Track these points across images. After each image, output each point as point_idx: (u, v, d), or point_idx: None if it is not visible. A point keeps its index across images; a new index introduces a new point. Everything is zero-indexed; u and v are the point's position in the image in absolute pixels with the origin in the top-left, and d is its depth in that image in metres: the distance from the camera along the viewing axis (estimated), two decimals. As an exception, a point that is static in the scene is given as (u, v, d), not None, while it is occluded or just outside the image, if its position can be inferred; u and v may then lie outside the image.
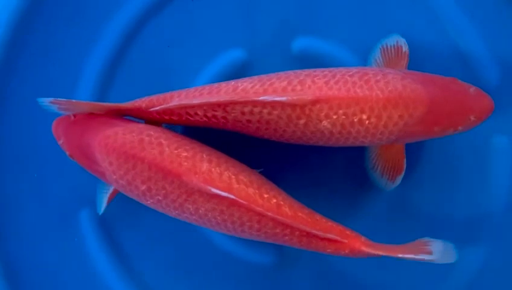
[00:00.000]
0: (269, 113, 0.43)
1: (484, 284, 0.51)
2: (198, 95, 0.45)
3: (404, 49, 0.48)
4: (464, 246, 0.50)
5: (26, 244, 0.52)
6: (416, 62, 0.51)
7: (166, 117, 0.46)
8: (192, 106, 0.44)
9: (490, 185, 0.51)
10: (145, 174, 0.42)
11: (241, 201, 0.41)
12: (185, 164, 0.42)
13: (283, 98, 0.42)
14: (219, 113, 0.44)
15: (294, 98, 0.42)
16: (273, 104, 0.43)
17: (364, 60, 0.51)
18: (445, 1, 0.51)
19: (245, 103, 0.43)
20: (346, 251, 0.43)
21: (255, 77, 0.45)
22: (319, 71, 0.44)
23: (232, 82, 0.45)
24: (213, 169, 0.42)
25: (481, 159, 0.51)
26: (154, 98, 0.46)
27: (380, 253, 0.42)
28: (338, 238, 0.42)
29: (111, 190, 0.47)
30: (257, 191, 0.42)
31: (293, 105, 0.42)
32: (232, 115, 0.44)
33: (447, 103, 0.44)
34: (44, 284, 0.52)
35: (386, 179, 0.48)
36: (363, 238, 0.43)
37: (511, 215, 0.51)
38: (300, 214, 0.43)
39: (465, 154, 0.51)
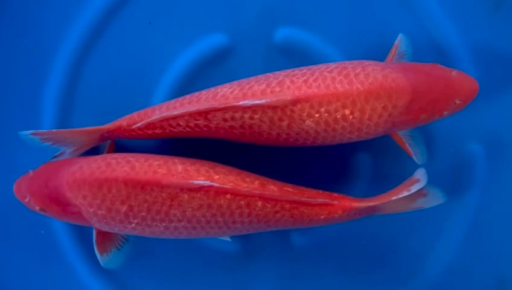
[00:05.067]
0: (251, 118, 0.42)
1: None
2: (179, 106, 0.44)
3: (398, 45, 0.47)
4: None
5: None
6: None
7: (150, 132, 0.45)
8: (174, 117, 0.44)
9: (464, 193, 0.51)
10: (122, 193, 0.41)
11: (226, 187, 0.41)
12: (160, 170, 0.42)
13: (262, 101, 0.42)
14: (201, 122, 0.43)
15: (274, 99, 0.41)
16: (253, 108, 0.42)
17: (345, 54, 0.50)
18: (444, 28, 0.51)
19: (225, 109, 0.42)
20: (339, 212, 0.43)
21: (235, 82, 0.44)
22: (297, 71, 0.44)
23: (212, 89, 0.45)
24: (189, 168, 0.42)
25: (455, 168, 0.51)
26: (135, 114, 0.46)
27: (372, 203, 0.42)
28: (328, 201, 0.43)
29: (94, 233, 0.45)
30: (238, 177, 0.42)
31: (273, 107, 0.42)
32: (214, 122, 0.43)
33: (431, 89, 0.43)
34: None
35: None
36: (351, 197, 0.43)
37: (480, 225, 0.51)
38: (286, 188, 0.43)
39: (442, 160, 0.51)
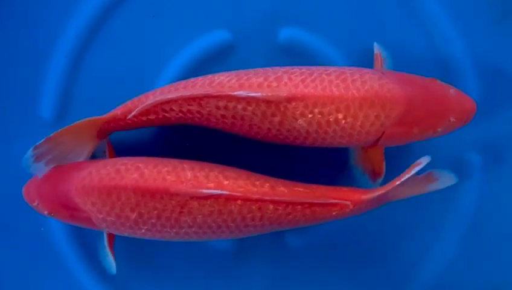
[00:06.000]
0: (244, 109, 0.42)
1: None
2: (173, 90, 0.44)
3: (375, 51, 0.47)
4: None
5: None
6: (399, 66, 0.50)
7: (144, 118, 0.45)
8: (168, 101, 0.43)
9: (460, 203, 0.51)
10: (132, 201, 0.41)
11: (236, 194, 0.40)
12: (169, 177, 0.41)
13: (257, 94, 0.41)
14: (194, 107, 0.43)
15: (269, 94, 0.41)
16: (247, 100, 0.42)
17: (347, 57, 0.51)
18: (434, 9, 0.51)
19: (219, 97, 0.42)
20: (351, 207, 0.42)
21: (233, 72, 0.44)
22: (297, 69, 0.43)
23: (209, 76, 0.44)
24: (198, 174, 0.41)
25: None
26: (129, 102, 0.46)
27: (380, 192, 0.42)
28: (339, 201, 0.42)
29: (105, 236, 0.45)
30: (248, 181, 0.42)
31: (267, 101, 0.42)
32: (207, 109, 0.43)
33: (426, 104, 0.43)
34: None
35: (367, 180, 0.47)
36: (360, 189, 0.43)
37: (477, 231, 0.51)
38: (296, 188, 0.42)
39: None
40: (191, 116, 0.44)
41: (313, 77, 0.42)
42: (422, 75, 0.46)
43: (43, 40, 0.51)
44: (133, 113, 0.45)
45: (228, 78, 0.43)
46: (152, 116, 0.45)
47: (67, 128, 0.45)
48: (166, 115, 0.44)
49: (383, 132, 0.43)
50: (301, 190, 0.43)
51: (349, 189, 0.43)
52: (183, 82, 0.45)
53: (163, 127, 0.51)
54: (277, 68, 0.44)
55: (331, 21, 0.51)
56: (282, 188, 0.42)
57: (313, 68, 0.44)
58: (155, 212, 0.41)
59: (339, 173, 0.50)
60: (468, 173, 0.51)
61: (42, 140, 0.44)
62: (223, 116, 0.43)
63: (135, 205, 0.41)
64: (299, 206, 0.42)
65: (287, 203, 0.41)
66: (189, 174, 0.41)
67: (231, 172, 0.42)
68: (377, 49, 0.48)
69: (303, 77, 0.42)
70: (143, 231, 0.42)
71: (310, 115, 0.42)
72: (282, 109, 0.42)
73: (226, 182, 0.41)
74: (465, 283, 0.51)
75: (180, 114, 0.44)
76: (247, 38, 0.51)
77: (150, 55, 0.51)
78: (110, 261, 0.45)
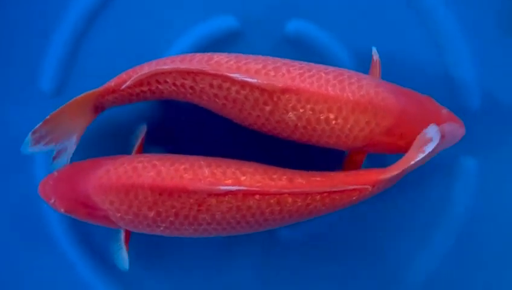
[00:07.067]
0: (237, 92, 0.42)
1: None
2: (169, 62, 0.44)
3: (375, 58, 0.46)
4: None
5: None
6: (401, 71, 0.50)
7: (137, 90, 0.45)
8: (163, 73, 0.43)
9: (453, 205, 0.51)
10: (149, 199, 0.41)
11: (254, 189, 0.40)
12: (186, 175, 0.41)
13: (253, 80, 0.41)
14: (188, 82, 0.43)
15: (264, 82, 0.41)
16: (242, 84, 0.42)
17: (353, 56, 0.50)
18: (442, 16, 0.51)
19: (215, 76, 0.42)
20: (370, 189, 0.42)
21: (233, 54, 0.44)
22: (297, 63, 0.43)
23: (209, 54, 0.44)
24: (215, 170, 0.41)
25: (447, 179, 0.51)
26: (123, 74, 0.45)
27: (396, 171, 0.41)
28: (358, 186, 0.41)
29: (122, 234, 0.45)
30: (265, 176, 0.41)
31: (262, 89, 0.41)
32: (201, 85, 0.43)
33: (416, 119, 0.43)
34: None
35: None
36: (376, 169, 0.42)
37: (471, 238, 0.51)
38: (313, 178, 0.42)
39: (431, 173, 0.51)
40: (183, 90, 0.44)
41: (311, 72, 0.42)
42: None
43: (48, 14, 0.50)
44: (128, 83, 0.44)
45: (227, 59, 0.43)
46: (145, 88, 0.44)
47: (62, 108, 0.44)
48: (159, 86, 0.44)
49: (371, 139, 0.43)
50: (319, 179, 0.42)
51: (366, 171, 0.42)
52: (182, 56, 0.45)
53: (164, 127, 0.50)
54: (278, 59, 0.44)
55: (339, 17, 0.51)
56: (300, 180, 0.42)
57: (313, 65, 0.43)
58: (173, 210, 0.40)
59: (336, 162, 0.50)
60: (462, 175, 0.51)
61: (39, 124, 0.43)
62: (215, 95, 0.43)
63: (153, 203, 0.41)
64: (318, 196, 0.41)
65: (306, 195, 0.41)
66: (206, 171, 0.41)
67: (248, 167, 0.42)
68: (375, 55, 0.47)
69: (301, 71, 0.42)
70: (161, 229, 0.42)
71: (301, 110, 0.41)
72: (275, 99, 0.42)
73: (243, 178, 0.41)
74: (455, 283, 0.51)
75: (174, 87, 0.44)
76: (255, 26, 0.51)
77: (155, 36, 0.50)
78: (124, 258, 0.44)
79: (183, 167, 0.41)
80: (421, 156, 0.40)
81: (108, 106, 0.46)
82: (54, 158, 0.45)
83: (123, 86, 0.44)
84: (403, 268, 0.51)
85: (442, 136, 0.41)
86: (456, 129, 0.44)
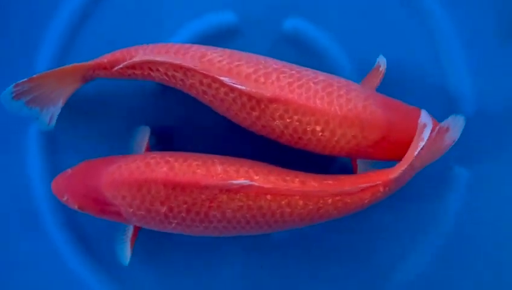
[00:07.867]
0: (225, 94, 0.42)
1: None
2: (164, 52, 0.43)
3: (381, 68, 0.46)
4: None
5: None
6: (399, 77, 0.50)
7: (129, 72, 0.45)
8: (155, 62, 0.43)
9: (447, 215, 0.51)
10: (162, 194, 0.41)
11: (266, 186, 0.40)
12: (199, 171, 0.41)
13: (242, 87, 0.41)
14: (179, 75, 0.43)
15: (253, 90, 0.41)
16: (231, 87, 0.41)
17: (351, 57, 0.50)
18: (443, 25, 0.50)
19: (205, 76, 0.42)
20: (381, 190, 0.42)
21: (228, 51, 0.44)
22: (287, 68, 0.43)
23: (204, 48, 0.44)
24: (228, 168, 0.41)
25: (439, 188, 0.51)
26: (117, 52, 0.45)
27: (403, 167, 0.41)
28: (369, 184, 0.41)
29: (130, 231, 0.45)
30: (278, 177, 0.41)
31: (250, 96, 0.41)
32: (191, 81, 0.43)
33: (403, 133, 0.43)
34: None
35: None
36: (385, 170, 0.42)
37: (461, 247, 0.51)
38: (326, 181, 0.42)
39: (423, 182, 0.50)
40: (174, 81, 0.44)
41: (300, 82, 0.42)
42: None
43: (44, 5, 0.50)
44: (119, 66, 0.44)
45: (220, 58, 0.42)
46: (137, 72, 0.44)
47: (50, 72, 0.44)
48: (151, 73, 0.44)
49: (357, 151, 0.43)
50: (331, 182, 0.42)
51: (376, 172, 0.42)
52: (178, 45, 0.44)
53: (164, 127, 0.50)
54: (270, 61, 0.43)
55: (338, 18, 0.50)
56: (312, 183, 0.41)
57: (304, 72, 0.43)
58: (185, 206, 0.41)
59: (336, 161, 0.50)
60: (452, 185, 0.51)
61: (24, 79, 0.43)
62: (204, 92, 0.43)
63: (165, 198, 0.41)
64: (330, 200, 0.41)
65: (318, 198, 0.41)
66: (219, 168, 0.41)
67: (262, 168, 0.42)
68: (382, 62, 0.46)
69: (291, 80, 0.42)
70: (173, 225, 0.42)
71: (288, 120, 0.41)
72: (262, 106, 0.41)
73: (256, 177, 0.41)
74: (443, 285, 0.51)
75: (165, 76, 0.44)
76: (254, 23, 0.50)
77: (154, 29, 0.50)
78: (127, 254, 0.45)
79: (195, 163, 0.41)
80: (421, 144, 0.40)
81: (95, 78, 0.47)
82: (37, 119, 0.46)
83: (115, 68, 0.44)
84: (393, 270, 0.51)
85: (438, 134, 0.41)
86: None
